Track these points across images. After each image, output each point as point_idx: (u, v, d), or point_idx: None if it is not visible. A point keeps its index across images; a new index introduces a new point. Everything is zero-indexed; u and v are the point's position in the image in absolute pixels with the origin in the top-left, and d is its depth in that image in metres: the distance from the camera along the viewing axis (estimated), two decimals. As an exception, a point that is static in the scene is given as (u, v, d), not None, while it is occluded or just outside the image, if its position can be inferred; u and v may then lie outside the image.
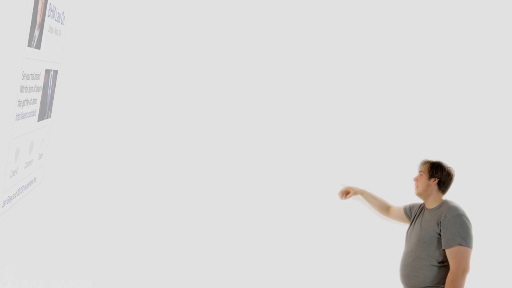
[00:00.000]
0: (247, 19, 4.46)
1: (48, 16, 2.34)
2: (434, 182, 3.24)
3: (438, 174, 3.25)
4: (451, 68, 4.35)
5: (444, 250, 3.06)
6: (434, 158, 3.35)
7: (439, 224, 3.10)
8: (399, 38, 4.37)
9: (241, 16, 4.45)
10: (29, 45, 2.13)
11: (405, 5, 4.35)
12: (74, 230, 4.17)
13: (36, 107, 2.34)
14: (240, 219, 4.54)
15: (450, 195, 3.30)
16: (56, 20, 2.49)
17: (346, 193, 3.74)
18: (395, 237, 3.60)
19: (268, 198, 4.55)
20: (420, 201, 3.40)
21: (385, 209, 3.67)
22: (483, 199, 4.24)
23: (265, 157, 4.57)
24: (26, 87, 2.16)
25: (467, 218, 3.09)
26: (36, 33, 2.22)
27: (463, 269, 2.99)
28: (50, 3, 2.30)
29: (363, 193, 3.74)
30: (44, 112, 2.74)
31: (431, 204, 3.26)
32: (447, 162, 3.32)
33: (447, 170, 3.25)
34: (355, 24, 4.40)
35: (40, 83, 2.34)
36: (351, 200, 3.79)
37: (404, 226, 3.49)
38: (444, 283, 3.05)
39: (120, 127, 4.41)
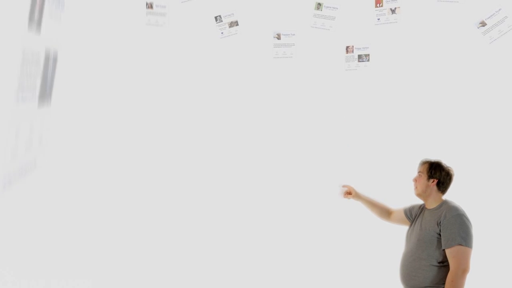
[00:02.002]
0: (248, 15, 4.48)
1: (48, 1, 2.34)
2: (433, 183, 3.23)
3: (437, 175, 3.23)
4: (450, 67, 4.35)
5: (444, 250, 3.05)
6: (433, 157, 3.35)
7: (439, 224, 3.08)
8: (398, 39, 4.37)
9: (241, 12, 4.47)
10: (29, 29, 2.13)
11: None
12: (74, 230, 4.17)
13: (36, 92, 2.34)
14: (240, 219, 4.55)
15: (450, 195, 3.29)
16: (55, 6, 2.49)
17: (348, 193, 3.73)
18: (395, 237, 3.59)
19: (268, 198, 4.56)
20: (420, 201, 3.39)
21: (386, 214, 3.65)
22: (483, 199, 4.23)
23: (264, 158, 4.58)
24: (25, 72, 2.16)
25: (467, 218, 3.07)
26: (36, 17, 2.22)
27: (463, 269, 2.98)
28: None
29: (362, 200, 3.72)
30: (44, 98, 2.74)
31: (431, 205, 3.25)
32: (446, 161, 3.31)
33: (446, 170, 3.23)
34: (356, 24, 4.41)
35: (39, 68, 2.34)
36: (352, 201, 3.78)
37: (405, 227, 3.48)
38: (444, 283, 3.03)
39: (120, 126, 4.43)
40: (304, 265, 4.46)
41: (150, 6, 4.29)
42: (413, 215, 3.41)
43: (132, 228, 4.47)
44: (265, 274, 4.48)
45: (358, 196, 3.71)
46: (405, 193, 3.65)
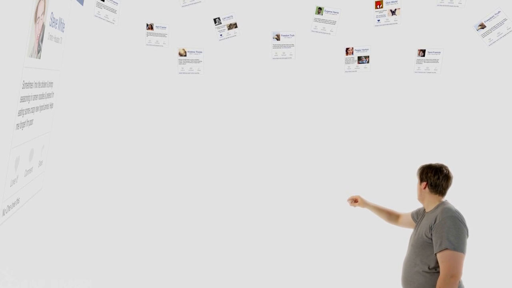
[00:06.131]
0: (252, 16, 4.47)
1: (50, 25, 2.35)
2: (424, 186, 3.21)
3: (426, 177, 3.21)
4: (450, 69, 4.36)
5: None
6: (433, 161, 3.34)
7: (431, 228, 3.02)
8: (398, 40, 4.38)
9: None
10: (30, 55, 2.14)
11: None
12: (74, 230, 4.16)
13: (35, 116, 2.35)
14: (241, 221, 4.57)
15: (451, 196, 3.22)
16: (56, 28, 2.49)
17: (354, 201, 3.74)
18: (400, 240, 3.59)
19: (266, 199, 4.57)
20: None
21: (394, 219, 3.64)
22: (483, 200, 4.27)
23: (263, 158, 4.58)
24: (26, 97, 2.17)
25: (460, 221, 2.97)
26: (36, 44, 2.23)
27: (451, 275, 2.87)
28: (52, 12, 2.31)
29: (369, 207, 3.72)
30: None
31: (428, 207, 3.23)
32: (444, 162, 3.28)
33: (435, 172, 3.17)
34: (355, 26, 4.41)
35: (40, 91, 2.35)
36: (359, 208, 3.78)
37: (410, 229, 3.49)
38: (438, 290, 2.94)
39: (120, 129, 4.42)
40: (307, 268, 4.49)
41: (150, 27, 4.30)
42: (418, 218, 3.39)
43: (132, 228, 4.48)
44: (266, 275, 4.49)
45: (364, 203, 3.71)
46: (404, 195, 3.68)
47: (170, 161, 4.57)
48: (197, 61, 4.43)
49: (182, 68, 4.44)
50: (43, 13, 2.24)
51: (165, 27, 4.33)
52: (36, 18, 2.16)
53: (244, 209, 4.56)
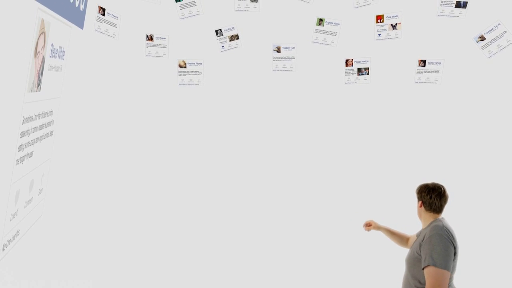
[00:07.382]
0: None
1: (50, 57, 2.36)
2: (420, 205, 3.26)
3: (421, 197, 3.25)
4: (450, 81, 4.36)
5: None
6: (434, 169, 3.37)
7: (420, 245, 3.05)
8: (398, 53, 4.37)
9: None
10: (30, 90, 2.16)
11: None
12: (74, 230, 4.20)
13: (35, 147, 2.37)
14: (241, 221, 4.62)
15: (452, 206, 3.22)
16: (56, 57, 2.50)
17: (368, 225, 3.78)
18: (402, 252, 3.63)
19: (267, 209, 4.61)
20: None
21: (404, 242, 3.65)
22: (483, 207, 4.31)
23: (265, 169, 4.62)
24: (26, 131, 2.19)
25: (446, 238, 2.97)
26: (36, 78, 2.24)
27: None
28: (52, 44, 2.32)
29: (382, 230, 3.75)
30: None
31: (424, 225, 3.25)
32: (449, 172, 3.33)
33: (428, 191, 3.18)
34: (356, 39, 4.40)
35: (40, 122, 2.37)
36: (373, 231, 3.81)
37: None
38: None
39: (120, 138, 4.44)
40: (306, 270, 4.54)
41: (150, 38, 4.29)
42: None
43: (132, 229, 4.53)
44: (266, 276, 4.55)
45: (378, 227, 3.74)
46: (404, 204, 3.72)
47: (171, 173, 4.59)
48: (197, 72, 4.43)
49: (182, 79, 4.44)
50: (43, 46, 2.25)
51: (165, 38, 4.32)
52: (36, 53, 2.17)
53: (245, 220, 4.60)
